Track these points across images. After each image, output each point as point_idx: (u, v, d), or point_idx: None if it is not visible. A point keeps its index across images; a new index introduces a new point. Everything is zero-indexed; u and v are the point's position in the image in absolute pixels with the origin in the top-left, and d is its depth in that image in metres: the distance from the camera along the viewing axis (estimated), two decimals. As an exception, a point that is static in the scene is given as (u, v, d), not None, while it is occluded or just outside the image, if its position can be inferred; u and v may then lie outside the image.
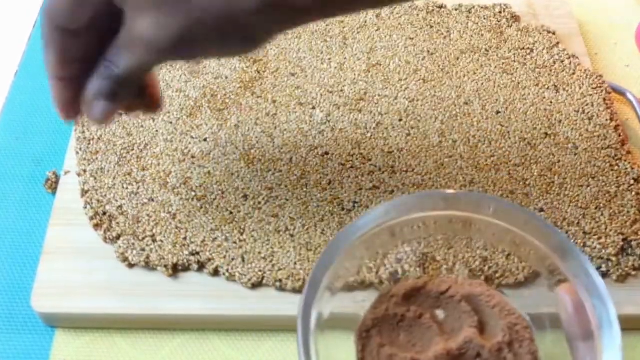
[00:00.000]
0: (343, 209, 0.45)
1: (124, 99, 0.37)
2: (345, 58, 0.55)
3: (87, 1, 0.32)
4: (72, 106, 0.37)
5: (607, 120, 0.50)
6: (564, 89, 0.52)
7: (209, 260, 0.43)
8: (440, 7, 0.59)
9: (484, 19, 0.58)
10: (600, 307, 0.34)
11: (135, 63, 0.33)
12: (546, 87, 0.53)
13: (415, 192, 0.45)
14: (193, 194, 0.46)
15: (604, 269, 0.43)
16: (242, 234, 0.44)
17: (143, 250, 0.43)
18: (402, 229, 0.39)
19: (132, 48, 0.33)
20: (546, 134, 0.50)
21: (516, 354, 0.37)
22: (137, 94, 0.39)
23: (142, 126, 0.50)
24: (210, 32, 0.31)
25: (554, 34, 0.57)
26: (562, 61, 0.54)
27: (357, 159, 0.48)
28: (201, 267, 0.43)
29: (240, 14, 0.31)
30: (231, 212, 0.45)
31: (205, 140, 0.49)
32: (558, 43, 0.56)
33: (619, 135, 0.49)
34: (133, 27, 0.32)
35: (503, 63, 0.54)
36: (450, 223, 0.39)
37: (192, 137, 0.49)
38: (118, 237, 0.44)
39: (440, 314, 0.38)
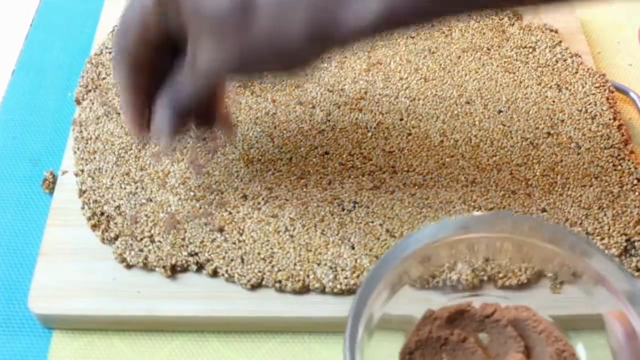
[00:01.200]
0: (343, 209, 0.45)
1: (189, 117, 0.41)
2: (346, 56, 0.54)
3: (151, 39, 0.37)
4: (141, 120, 0.40)
5: (610, 119, 0.50)
6: (566, 88, 0.52)
7: (208, 261, 0.43)
8: (442, 5, 0.58)
9: (486, 17, 0.57)
10: None
11: (198, 85, 0.37)
12: (548, 86, 0.52)
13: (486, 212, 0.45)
14: (192, 194, 0.45)
15: (607, 269, 0.43)
16: (241, 235, 0.44)
17: (141, 250, 0.43)
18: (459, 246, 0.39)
19: (194, 73, 0.36)
20: (548, 133, 0.49)
21: None
22: (204, 112, 0.43)
23: (204, 132, 0.49)
24: (263, 59, 0.34)
25: (556, 32, 0.56)
26: (565, 60, 0.54)
27: (357, 158, 0.48)
28: (200, 268, 0.43)
29: (289, 50, 0.33)
30: (230, 213, 0.45)
31: (204, 139, 0.48)
32: (560, 41, 0.55)
33: (622, 135, 0.49)
34: (194, 55, 0.36)
35: (505, 62, 0.54)
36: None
37: (190, 137, 0.48)
38: (116, 237, 0.44)
39: (484, 338, 0.38)
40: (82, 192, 0.46)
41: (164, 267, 0.42)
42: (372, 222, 0.44)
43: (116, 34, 0.38)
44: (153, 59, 0.38)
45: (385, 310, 0.37)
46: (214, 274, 0.42)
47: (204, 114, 0.43)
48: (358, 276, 0.42)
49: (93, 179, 0.46)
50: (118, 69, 0.38)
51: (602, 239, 0.44)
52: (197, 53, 0.35)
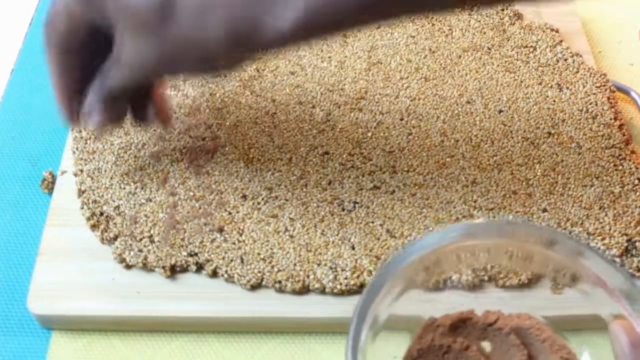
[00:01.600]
0: (343, 209, 0.45)
1: (118, 108, 0.41)
2: (346, 56, 0.54)
3: (78, 27, 0.37)
4: (72, 110, 0.41)
5: (611, 119, 0.50)
6: (567, 88, 0.52)
7: (208, 261, 0.42)
8: (442, 4, 0.58)
9: (487, 16, 0.57)
10: None
11: (123, 78, 0.38)
12: (549, 85, 0.52)
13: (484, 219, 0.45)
14: (192, 194, 0.45)
15: (608, 270, 0.43)
16: (241, 235, 0.43)
17: (141, 251, 0.43)
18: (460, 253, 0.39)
19: (120, 66, 0.37)
20: (549, 133, 0.49)
21: None
22: (137, 105, 0.43)
23: (139, 125, 0.49)
24: (182, 60, 0.35)
25: (557, 31, 0.56)
26: (566, 59, 0.54)
27: (357, 158, 0.47)
28: (200, 268, 0.43)
29: (209, 52, 0.33)
30: (230, 213, 0.44)
31: (203, 139, 0.48)
32: (561, 41, 0.55)
33: (623, 135, 0.49)
34: (119, 49, 0.36)
35: (506, 61, 0.54)
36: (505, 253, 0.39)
37: (190, 137, 0.48)
38: (115, 237, 0.43)
39: (486, 346, 0.37)
40: (81, 192, 0.46)
41: (163, 267, 0.42)
42: (372, 222, 0.44)
43: (43, 23, 0.38)
44: (82, 45, 0.38)
45: (390, 311, 0.37)
46: (214, 274, 0.42)
47: (139, 106, 0.43)
48: (358, 276, 0.42)
49: (92, 179, 0.46)
50: (47, 54, 0.39)
51: (603, 239, 0.43)
52: (121, 46, 0.36)
